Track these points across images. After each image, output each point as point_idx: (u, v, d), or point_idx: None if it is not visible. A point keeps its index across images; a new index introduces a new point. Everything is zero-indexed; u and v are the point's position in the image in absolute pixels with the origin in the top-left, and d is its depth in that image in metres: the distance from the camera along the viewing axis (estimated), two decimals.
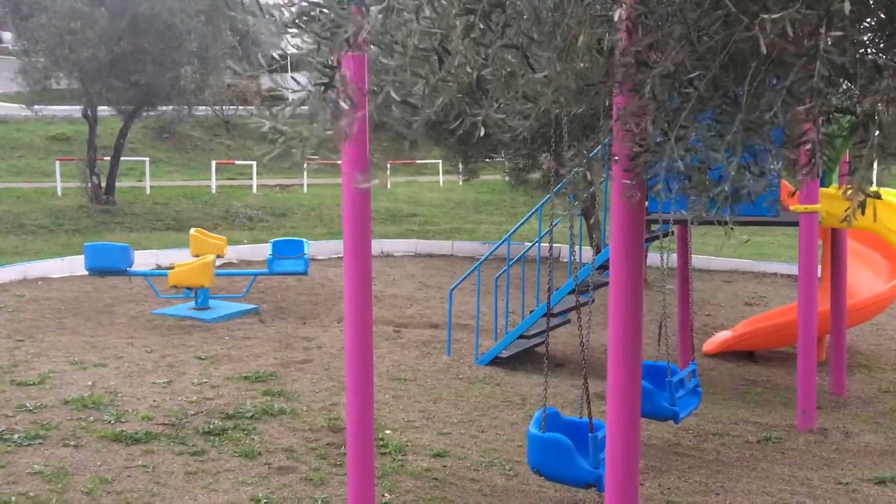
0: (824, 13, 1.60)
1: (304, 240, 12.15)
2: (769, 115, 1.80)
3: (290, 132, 2.05)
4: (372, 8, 2.04)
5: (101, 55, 16.38)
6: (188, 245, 12.22)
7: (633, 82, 1.98)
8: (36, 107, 19.49)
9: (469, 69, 1.98)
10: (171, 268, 12.91)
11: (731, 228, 2.53)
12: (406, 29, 1.97)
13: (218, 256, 11.78)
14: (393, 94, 2.01)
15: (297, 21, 2.01)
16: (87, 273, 11.16)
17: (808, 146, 1.88)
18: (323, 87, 2.02)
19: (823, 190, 7.66)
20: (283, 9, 2.08)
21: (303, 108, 2.22)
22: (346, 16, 1.92)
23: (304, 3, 2.01)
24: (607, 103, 2.41)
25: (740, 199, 2.16)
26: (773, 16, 1.56)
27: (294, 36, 2.08)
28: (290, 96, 2.22)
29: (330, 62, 2.03)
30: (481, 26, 1.88)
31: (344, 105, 2.01)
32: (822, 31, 1.62)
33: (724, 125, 1.98)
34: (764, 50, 1.59)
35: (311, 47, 2.06)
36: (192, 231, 12.24)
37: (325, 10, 1.98)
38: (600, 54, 2.07)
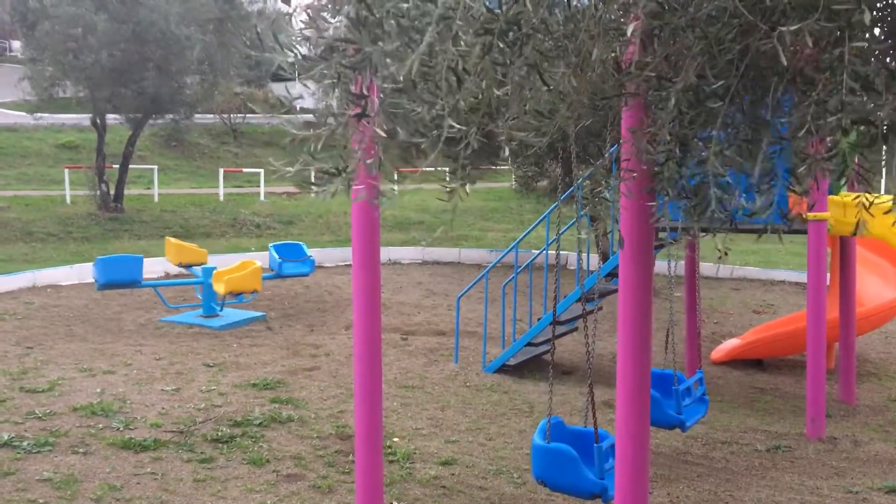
0: (845, 24, 1.60)
1: (303, 243, 12.33)
2: (803, 132, 1.80)
3: (330, 168, 2.05)
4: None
5: (104, 61, 16.41)
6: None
7: (648, 96, 1.98)
8: (44, 115, 19.51)
9: (484, 87, 1.97)
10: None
11: (726, 254, 2.56)
12: (436, 62, 1.94)
13: (191, 266, 11.82)
14: (403, 127, 2.02)
15: (320, 55, 2.01)
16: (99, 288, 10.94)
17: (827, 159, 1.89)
18: (356, 117, 2.01)
19: (832, 198, 7.64)
20: (306, 43, 2.07)
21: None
22: (373, 49, 1.92)
23: (331, 39, 2.00)
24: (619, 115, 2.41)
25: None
26: (792, 27, 1.56)
27: (314, 68, 2.06)
28: (299, 105, 2.22)
29: (356, 90, 2.03)
30: (500, 45, 1.87)
31: (379, 133, 2.01)
32: (846, 42, 1.62)
33: (754, 144, 1.99)
34: (784, 62, 1.59)
35: (332, 77, 2.05)
36: (171, 239, 12.28)
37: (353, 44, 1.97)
38: (616, 70, 2.07)
